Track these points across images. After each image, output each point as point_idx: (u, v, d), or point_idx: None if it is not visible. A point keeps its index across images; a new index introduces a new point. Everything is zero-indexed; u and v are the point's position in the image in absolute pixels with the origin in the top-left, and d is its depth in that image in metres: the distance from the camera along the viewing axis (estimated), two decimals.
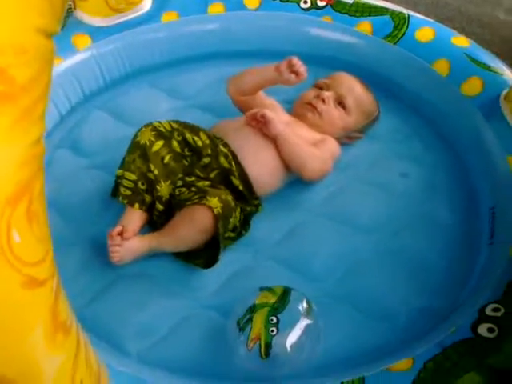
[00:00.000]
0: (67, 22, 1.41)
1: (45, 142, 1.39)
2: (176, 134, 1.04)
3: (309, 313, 0.85)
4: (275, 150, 1.11)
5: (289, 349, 0.81)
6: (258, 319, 0.82)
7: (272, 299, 0.85)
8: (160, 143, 1.03)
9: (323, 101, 1.22)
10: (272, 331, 0.81)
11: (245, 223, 1.06)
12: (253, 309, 0.84)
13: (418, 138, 1.28)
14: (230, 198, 0.99)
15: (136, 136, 1.04)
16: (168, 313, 0.97)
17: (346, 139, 1.26)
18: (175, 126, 1.05)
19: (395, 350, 0.82)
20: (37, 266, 0.49)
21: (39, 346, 0.51)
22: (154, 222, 1.04)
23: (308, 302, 0.86)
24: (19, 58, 0.43)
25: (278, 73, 1.12)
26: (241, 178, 1.07)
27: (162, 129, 1.04)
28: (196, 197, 0.98)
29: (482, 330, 0.77)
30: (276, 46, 1.43)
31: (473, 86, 1.23)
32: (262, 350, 0.80)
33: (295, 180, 1.16)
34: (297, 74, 1.10)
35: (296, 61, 1.11)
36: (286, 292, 0.86)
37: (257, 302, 0.85)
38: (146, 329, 0.95)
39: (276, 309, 0.83)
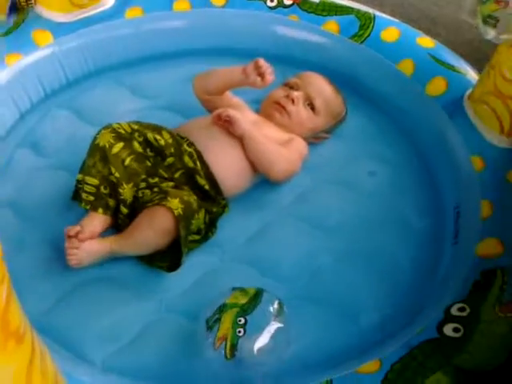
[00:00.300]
0: (27, 17, 1.36)
1: (4, 142, 1.35)
2: (137, 134, 1.02)
3: (280, 315, 0.84)
4: (242, 150, 1.10)
5: (255, 351, 0.80)
6: (227, 319, 0.81)
7: (243, 300, 0.84)
8: (120, 145, 1.00)
9: (292, 101, 1.21)
10: (239, 332, 0.80)
11: (211, 225, 1.04)
12: (222, 308, 0.83)
13: (384, 137, 1.29)
14: (192, 199, 0.97)
15: (95, 139, 1.01)
16: (133, 318, 0.95)
17: (313, 139, 1.25)
18: (135, 127, 1.02)
19: (363, 352, 0.82)
20: None
21: None
22: (120, 225, 1.01)
23: (280, 305, 0.85)
24: None
25: (244, 75, 1.11)
26: (206, 177, 1.05)
27: (121, 131, 1.01)
28: (157, 198, 0.96)
29: (448, 329, 0.77)
30: (243, 45, 1.42)
31: (437, 86, 1.24)
32: (228, 350, 0.79)
33: (263, 180, 1.15)
34: (263, 76, 1.09)
35: (262, 63, 1.09)
36: (258, 293, 0.85)
37: (227, 301, 0.84)
38: (111, 335, 0.93)
39: (245, 310, 0.82)
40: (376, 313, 0.94)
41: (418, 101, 1.26)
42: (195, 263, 1.01)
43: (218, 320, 0.82)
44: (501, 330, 0.76)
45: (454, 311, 0.80)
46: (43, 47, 1.34)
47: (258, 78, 1.09)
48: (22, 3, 1.39)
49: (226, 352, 0.80)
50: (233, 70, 1.14)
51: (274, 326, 0.82)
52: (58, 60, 1.36)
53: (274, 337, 0.81)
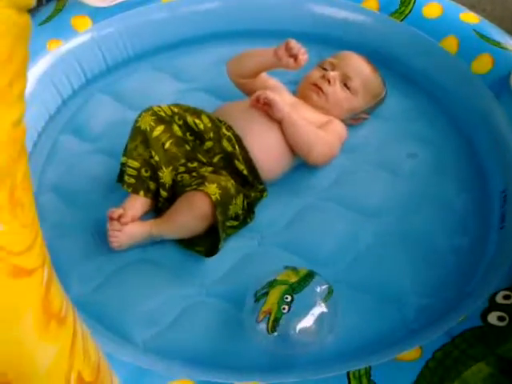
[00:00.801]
0: (65, 3, 1.38)
1: (47, 127, 1.38)
2: (177, 117, 1.02)
3: (327, 300, 0.84)
4: (281, 134, 1.09)
5: (297, 331, 0.80)
6: (274, 294, 0.82)
7: (293, 278, 0.85)
8: (160, 128, 1.01)
9: (329, 82, 1.19)
10: (283, 308, 0.81)
11: (249, 211, 1.04)
12: (272, 284, 0.84)
13: (426, 118, 1.25)
14: (230, 184, 0.97)
15: (136, 121, 1.02)
16: (173, 300, 0.96)
17: (352, 121, 1.23)
18: (176, 109, 1.03)
19: (404, 339, 0.81)
20: (24, 255, 0.47)
21: (30, 336, 0.50)
22: (160, 209, 1.03)
23: (329, 289, 0.85)
24: None
25: (276, 58, 1.09)
26: (245, 161, 1.04)
27: (162, 113, 1.01)
28: (195, 182, 0.96)
29: (492, 318, 0.75)
30: (279, 25, 1.40)
31: (483, 64, 1.19)
32: (270, 323, 0.81)
33: (301, 164, 1.14)
34: (295, 58, 1.06)
35: (294, 44, 1.07)
36: (310, 275, 0.86)
37: (278, 278, 0.85)
38: (152, 317, 0.95)
39: (294, 288, 0.83)
40: (417, 299, 0.92)
41: (463, 79, 1.21)
42: (233, 248, 1.02)
43: (266, 294, 0.83)
44: None
45: (498, 299, 0.78)
46: (82, 32, 1.36)
47: (291, 60, 1.07)
48: None
49: (268, 325, 0.81)
50: (265, 52, 1.12)
51: (319, 309, 0.82)
52: (97, 45, 1.37)
53: (317, 320, 0.81)
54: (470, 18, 1.29)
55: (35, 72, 1.26)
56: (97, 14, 1.38)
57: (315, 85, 1.19)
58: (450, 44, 1.26)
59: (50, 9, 1.37)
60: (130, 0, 1.41)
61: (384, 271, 0.97)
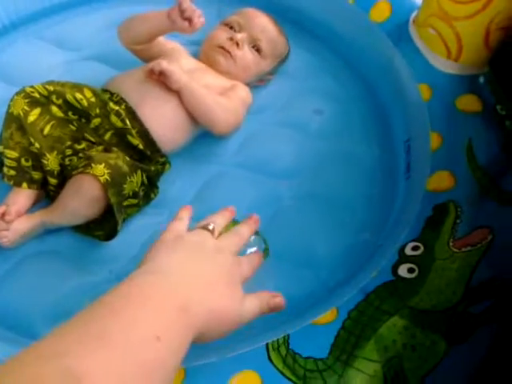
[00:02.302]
0: None
1: None
2: (54, 97, 0.92)
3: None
4: (181, 103, 1.02)
5: None
6: None
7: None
8: (36, 112, 0.90)
9: (237, 44, 1.13)
10: None
11: (152, 186, 0.98)
12: None
13: (330, 72, 1.22)
14: (121, 161, 0.89)
15: (8, 107, 0.91)
16: (81, 291, 0.89)
17: (257, 82, 1.18)
18: (52, 88, 0.92)
19: (320, 301, 0.80)
20: None
21: None
22: (53, 197, 0.94)
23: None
24: None
25: (169, 21, 1.01)
26: (140, 135, 0.97)
27: (36, 95, 0.90)
28: (81, 165, 0.88)
29: (403, 271, 0.76)
30: None
31: (381, 11, 1.17)
32: None
33: (206, 131, 1.08)
34: (190, 20, 0.99)
35: (187, 5, 0.98)
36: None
37: None
38: (60, 311, 0.88)
39: None
40: (332, 259, 0.91)
41: (363, 29, 1.19)
42: (141, 227, 0.96)
43: None
44: (456, 265, 0.75)
45: (408, 251, 0.78)
46: None
47: (186, 23, 0.99)
48: None
49: None
50: (157, 15, 1.03)
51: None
52: None
53: None
54: None
55: None
56: None
57: (222, 47, 1.13)
58: None
59: None
60: None
61: (296, 233, 0.95)
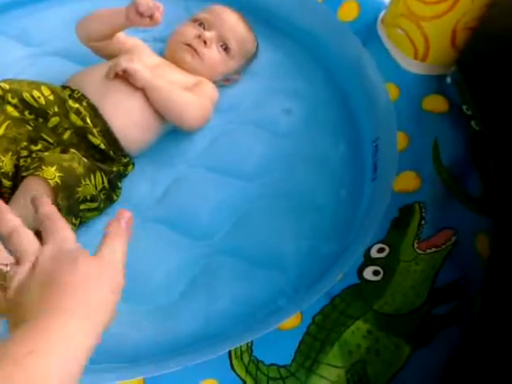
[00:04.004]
0: None
1: None
2: (9, 96, 0.88)
3: None
4: (145, 100, 0.99)
5: None
6: None
7: None
8: None
9: (205, 43, 1.10)
10: None
11: (114, 188, 0.95)
12: None
13: (298, 70, 1.21)
14: (75, 164, 0.86)
15: None
16: None
17: (224, 82, 1.16)
18: (7, 86, 0.89)
19: (285, 306, 0.79)
20: None
21: None
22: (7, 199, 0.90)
23: None
24: None
25: (129, 20, 0.98)
26: (103, 134, 0.94)
27: None
28: (32, 167, 0.84)
29: (368, 273, 0.75)
30: None
31: (349, 10, 1.16)
32: None
33: (170, 131, 1.06)
34: (151, 16, 0.96)
35: (143, 3, 0.95)
36: None
37: None
38: None
39: None
40: (298, 261, 0.90)
41: (330, 28, 1.18)
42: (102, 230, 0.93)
43: None
44: (420, 267, 0.75)
45: (373, 253, 0.77)
46: None
47: (146, 20, 0.97)
48: None
49: None
50: (116, 12, 1.00)
51: None
52: None
53: None
54: None
55: None
56: None
57: (189, 45, 1.10)
58: None
59: None
60: None
61: (264, 236, 0.93)
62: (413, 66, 1.04)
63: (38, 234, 0.87)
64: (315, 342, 0.68)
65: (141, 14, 0.96)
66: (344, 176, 1.03)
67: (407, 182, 0.87)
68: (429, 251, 0.76)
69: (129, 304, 0.85)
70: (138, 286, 0.88)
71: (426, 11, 1.00)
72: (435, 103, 0.99)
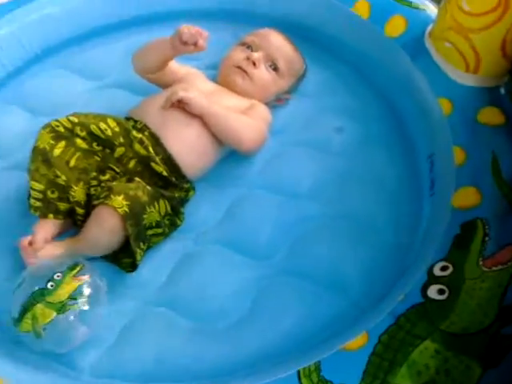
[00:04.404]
0: None
1: None
2: (78, 129, 0.94)
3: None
4: (203, 127, 1.04)
5: None
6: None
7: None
8: (61, 145, 0.93)
9: (254, 64, 1.14)
10: None
11: (177, 213, 0.99)
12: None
13: (348, 88, 1.23)
14: (140, 192, 0.91)
15: (36, 140, 0.94)
16: (113, 317, 0.91)
17: (276, 102, 1.19)
18: (76, 120, 0.94)
19: (349, 324, 0.80)
20: None
21: None
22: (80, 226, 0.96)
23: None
24: None
25: (174, 49, 1.03)
26: (165, 162, 0.99)
27: (60, 129, 0.93)
28: (102, 196, 0.90)
29: (432, 292, 0.75)
30: (184, 5, 1.34)
31: (396, 26, 1.18)
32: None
33: (228, 155, 1.09)
34: (195, 43, 1.00)
35: (186, 31, 0.99)
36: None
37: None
38: (93, 337, 0.90)
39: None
40: (359, 280, 0.91)
41: (378, 44, 1.19)
42: (168, 252, 0.97)
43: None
44: (487, 285, 0.74)
45: (436, 271, 0.77)
46: None
47: (191, 47, 1.01)
48: None
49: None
50: (162, 42, 1.05)
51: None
52: None
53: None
54: None
55: None
56: None
57: (239, 67, 1.14)
58: (362, 8, 1.23)
59: None
60: None
61: (322, 256, 0.95)
62: (464, 79, 1.04)
63: (118, 255, 0.93)
64: (383, 362, 0.69)
65: (185, 43, 1.00)
66: (401, 194, 1.03)
67: (467, 197, 0.86)
68: (495, 268, 0.76)
69: (195, 323, 0.89)
70: (204, 306, 0.92)
71: (473, 23, 1.00)
72: (490, 116, 0.98)
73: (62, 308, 0.82)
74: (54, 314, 0.81)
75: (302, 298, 0.89)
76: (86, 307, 0.84)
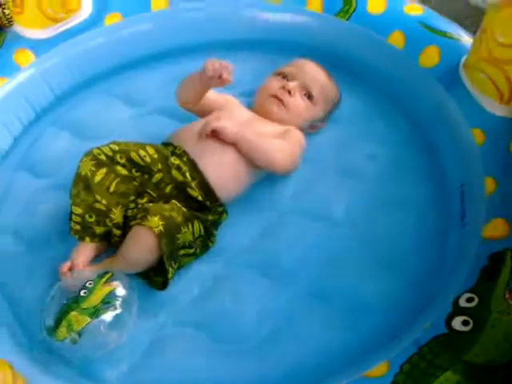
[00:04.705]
0: (4, 39, 1.34)
1: (0, 167, 1.34)
2: (118, 156, 0.99)
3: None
4: (237, 153, 1.07)
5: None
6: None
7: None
8: (102, 172, 0.98)
9: (289, 92, 1.17)
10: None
11: (209, 235, 1.02)
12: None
13: (380, 116, 1.24)
14: (175, 213, 0.95)
15: (78, 167, 0.99)
16: (140, 334, 0.94)
17: (310, 129, 1.22)
18: (117, 147, 0.99)
19: (371, 352, 0.80)
20: None
21: None
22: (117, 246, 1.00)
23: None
24: None
25: (202, 83, 1.09)
26: (200, 187, 1.03)
27: (102, 157, 0.98)
28: (139, 216, 0.95)
29: (457, 323, 0.74)
30: (225, 36, 1.38)
31: (430, 56, 1.19)
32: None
33: (261, 179, 1.12)
34: (219, 76, 1.05)
35: (209, 65, 1.05)
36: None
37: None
38: (121, 353, 0.92)
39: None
40: (384, 307, 0.91)
41: (413, 74, 1.20)
42: (198, 273, 1.00)
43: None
44: None
45: (462, 302, 0.77)
46: (26, 67, 1.32)
47: (217, 81, 1.06)
48: (4, 21, 1.37)
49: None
50: (194, 78, 1.12)
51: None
52: (42, 77, 1.34)
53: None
54: (414, 9, 1.28)
55: None
56: (38, 46, 1.34)
57: (275, 96, 1.18)
58: (397, 39, 1.25)
59: None
60: (73, 27, 1.38)
61: (350, 280, 0.96)
62: (498, 110, 1.03)
63: (150, 273, 0.96)
64: None
65: (210, 78, 1.05)
66: (430, 221, 1.03)
67: (496, 228, 0.86)
68: None
69: (220, 344, 0.91)
70: (230, 327, 0.95)
71: (508, 55, 1.00)
72: None
73: (95, 312, 0.86)
74: (88, 319, 0.85)
75: (325, 323, 0.90)
76: (119, 310, 0.88)
